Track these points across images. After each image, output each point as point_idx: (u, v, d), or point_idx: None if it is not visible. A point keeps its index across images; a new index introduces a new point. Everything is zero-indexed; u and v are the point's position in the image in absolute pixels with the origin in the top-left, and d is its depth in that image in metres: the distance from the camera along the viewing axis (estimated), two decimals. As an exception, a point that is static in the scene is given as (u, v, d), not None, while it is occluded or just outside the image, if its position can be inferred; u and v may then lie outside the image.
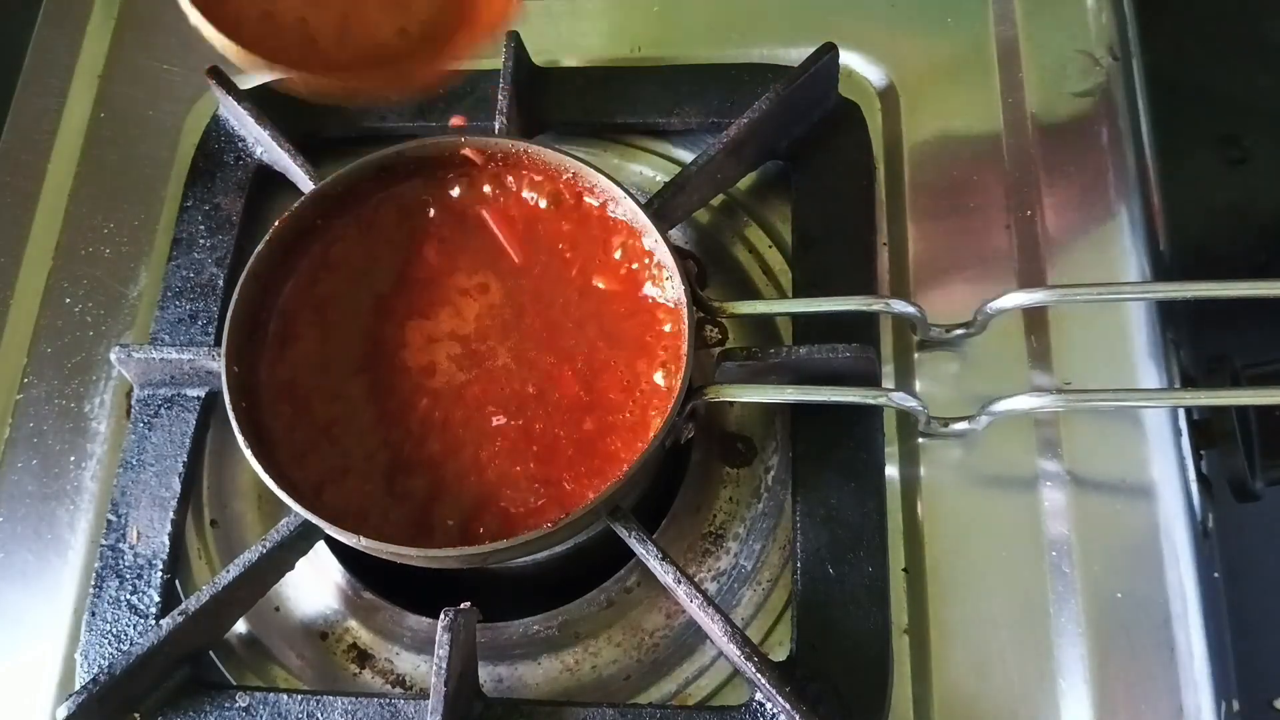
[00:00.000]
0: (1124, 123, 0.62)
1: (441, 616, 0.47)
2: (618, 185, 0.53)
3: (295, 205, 0.54)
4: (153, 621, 0.54)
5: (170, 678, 0.52)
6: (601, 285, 0.54)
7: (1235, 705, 0.53)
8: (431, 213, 0.56)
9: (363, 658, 0.55)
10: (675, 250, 0.52)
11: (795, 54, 0.62)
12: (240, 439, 0.49)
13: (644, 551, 0.50)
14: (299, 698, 0.51)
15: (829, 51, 0.59)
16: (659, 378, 0.51)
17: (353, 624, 0.56)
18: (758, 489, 0.57)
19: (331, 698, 0.51)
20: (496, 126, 0.59)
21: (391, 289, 0.55)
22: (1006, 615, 0.52)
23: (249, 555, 0.51)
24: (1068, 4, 0.65)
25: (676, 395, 0.49)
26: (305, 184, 0.59)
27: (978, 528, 0.53)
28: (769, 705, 0.49)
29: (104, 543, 0.56)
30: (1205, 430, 0.56)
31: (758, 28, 0.66)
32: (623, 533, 0.50)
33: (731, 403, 0.57)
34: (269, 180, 0.65)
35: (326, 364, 0.53)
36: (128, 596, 0.55)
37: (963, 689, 0.51)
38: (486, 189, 0.56)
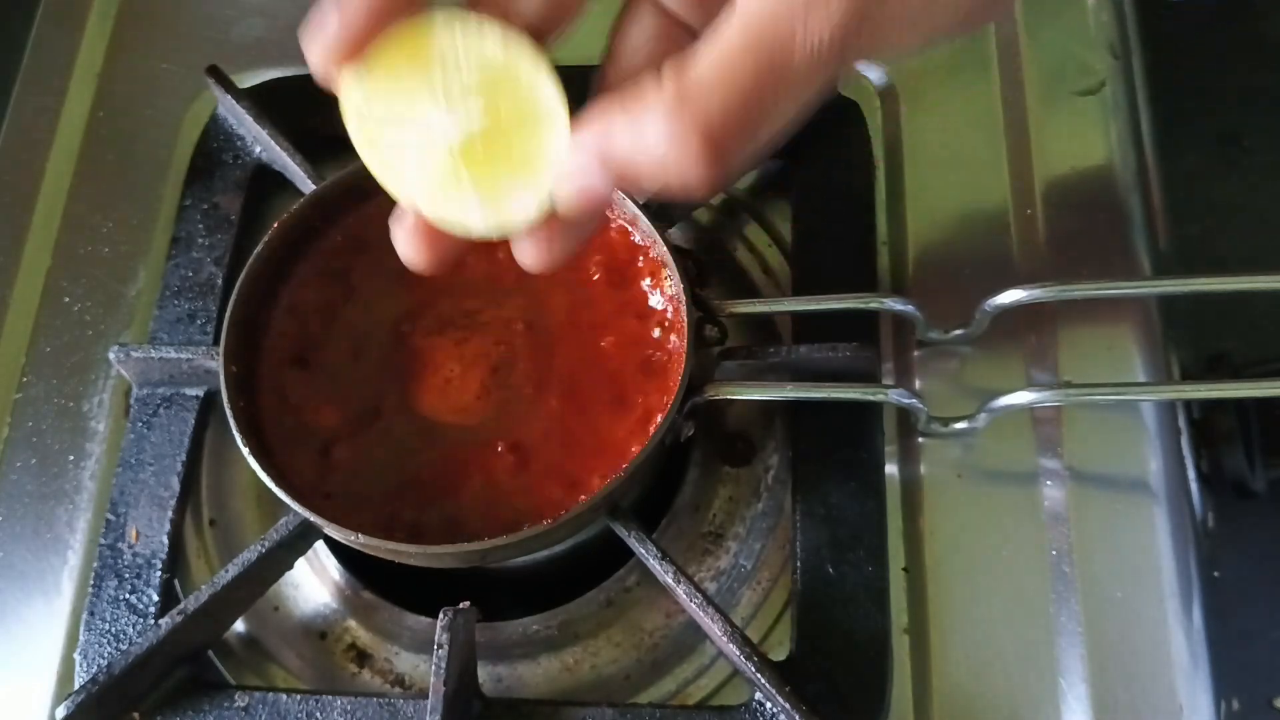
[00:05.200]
0: (1124, 121, 0.62)
1: (441, 616, 0.47)
2: (616, 185, 0.53)
3: (295, 207, 0.54)
4: (152, 621, 0.54)
5: (169, 677, 0.52)
6: (600, 286, 0.54)
7: (1235, 705, 0.53)
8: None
9: (362, 657, 0.55)
10: (675, 249, 0.52)
11: (795, 53, 0.62)
12: (238, 438, 0.49)
13: (643, 551, 0.50)
14: (298, 697, 0.51)
15: (829, 50, 0.59)
16: (658, 376, 0.51)
17: (352, 623, 0.56)
18: (757, 488, 0.57)
19: (331, 697, 0.51)
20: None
21: (391, 290, 0.55)
22: (1006, 615, 0.52)
23: (248, 555, 0.51)
24: (1068, 3, 0.65)
25: (676, 394, 0.49)
26: (304, 183, 0.59)
27: (978, 527, 0.53)
28: (769, 705, 0.49)
29: (103, 542, 0.56)
30: (1205, 429, 0.56)
31: (757, 27, 0.66)
32: (622, 532, 0.50)
33: (731, 402, 0.57)
34: (268, 179, 0.65)
35: (325, 363, 0.53)
36: (126, 596, 0.54)
37: (963, 689, 0.51)
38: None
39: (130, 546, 0.56)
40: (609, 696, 0.53)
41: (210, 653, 0.55)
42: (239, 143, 0.65)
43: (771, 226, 0.62)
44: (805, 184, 0.61)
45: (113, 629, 0.54)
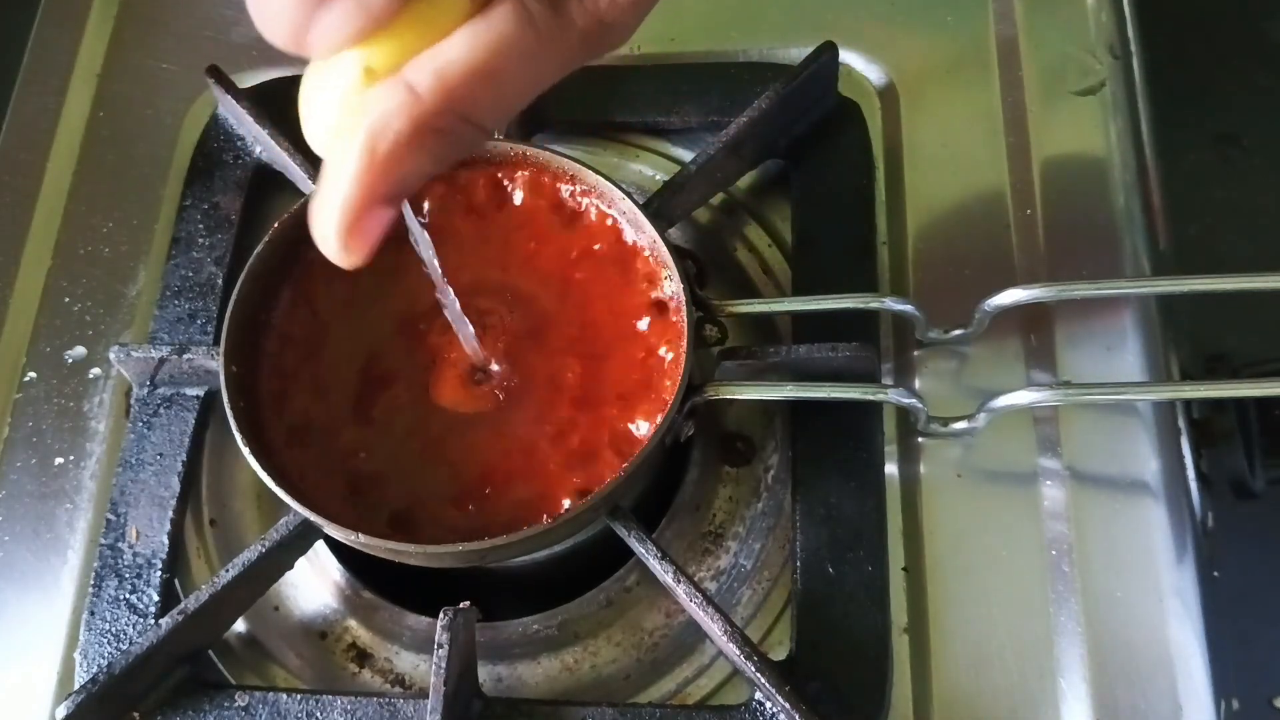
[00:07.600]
0: (1124, 121, 0.62)
1: (441, 616, 0.47)
2: (616, 186, 0.53)
3: (296, 206, 0.54)
4: (152, 621, 0.54)
5: (169, 677, 0.52)
6: (601, 285, 0.54)
7: (1235, 704, 0.53)
8: (431, 215, 0.56)
9: (362, 657, 0.55)
10: (674, 249, 0.52)
11: (795, 53, 0.62)
12: (238, 438, 0.49)
13: (643, 550, 0.50)
14: (298, 697, 0.51)
15: (829, 50, 0.59)
16: (659, 376, 0.51)
17: (352, 623, 0.56)
18: (757, 488, 0.57)
19: (331, 697, 0.51)
20: (495, 127, 0.58)
21: (391, 290, 0.55)
22: (1006, 615, 0.52)
23: (248, 554, 0.51)
24: (1068, 3, 0.65)
25: (676, 393, 0.49)
26: (304, 183, 0.59)
27: (978, 527, 0.53)
28: (768, 704, 0.49)
29: (103, 542, 0.56)
30: (1205, 429, 0.56)
31: (757, 26, 0.66)
32: (622, 532, 0.50)
33: (731, 402, 0.57)
34: (268, 179, 0.65)
35: (326, 363, 0.53)
36: (127, 596, 0.55)
37: (962, 688, 0.51)
38: (485, 191, 0.56)
39: (130, 546, 0.56)
40: (609, 696, 0.53)
41: (210, 653, 0.55)
42: (239, 143, 0.65)
43: (771, 226, 0.62)
44: (805, 184, 0.61)
45: (113, 629, 0.54)
